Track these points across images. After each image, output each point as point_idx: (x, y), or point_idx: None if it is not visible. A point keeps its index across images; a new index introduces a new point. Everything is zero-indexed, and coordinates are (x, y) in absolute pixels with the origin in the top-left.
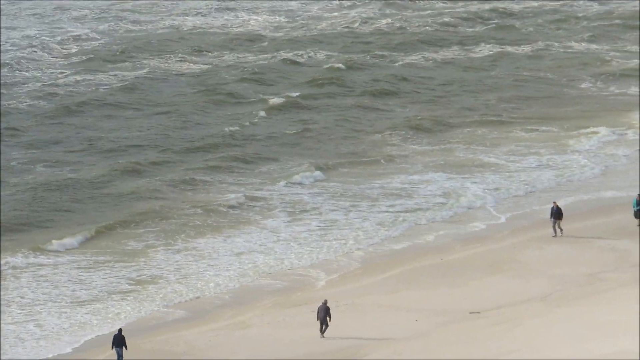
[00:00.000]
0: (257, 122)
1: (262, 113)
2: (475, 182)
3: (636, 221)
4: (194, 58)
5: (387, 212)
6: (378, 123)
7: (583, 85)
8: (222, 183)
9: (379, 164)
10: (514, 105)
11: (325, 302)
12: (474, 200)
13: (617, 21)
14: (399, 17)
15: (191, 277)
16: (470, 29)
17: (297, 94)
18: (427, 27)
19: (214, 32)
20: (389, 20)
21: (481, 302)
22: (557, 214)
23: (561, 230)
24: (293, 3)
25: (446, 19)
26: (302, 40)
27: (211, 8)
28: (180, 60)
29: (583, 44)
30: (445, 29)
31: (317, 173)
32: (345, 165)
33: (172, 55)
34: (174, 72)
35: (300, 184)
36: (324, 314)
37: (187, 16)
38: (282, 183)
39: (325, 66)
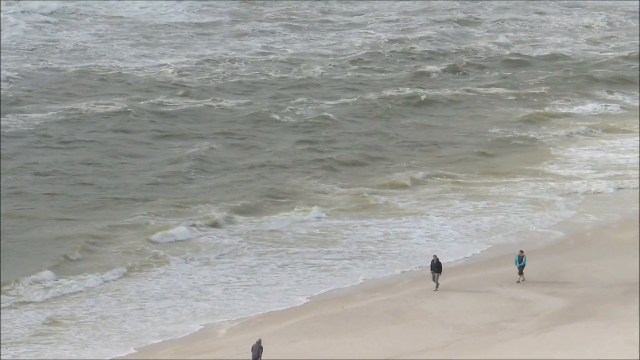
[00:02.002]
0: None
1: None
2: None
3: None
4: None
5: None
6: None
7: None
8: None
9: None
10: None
11: (259, 342)
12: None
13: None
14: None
15: None
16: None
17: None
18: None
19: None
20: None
21: (382, 351)
22: (436, 267)
23: (437, 284)
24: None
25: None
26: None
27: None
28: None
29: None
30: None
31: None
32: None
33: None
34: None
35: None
36: (257, 353)
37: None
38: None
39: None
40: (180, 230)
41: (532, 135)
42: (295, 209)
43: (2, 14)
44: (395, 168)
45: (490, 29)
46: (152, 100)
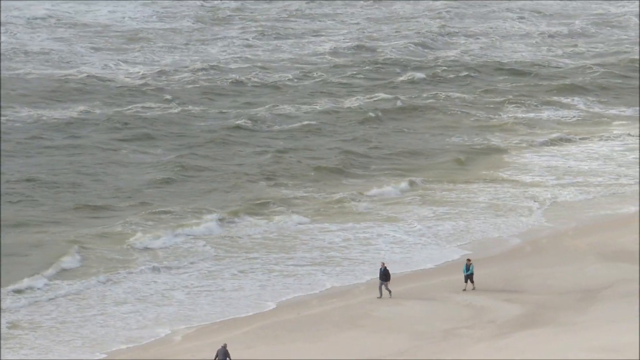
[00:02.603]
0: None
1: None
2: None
3: (464, 284)
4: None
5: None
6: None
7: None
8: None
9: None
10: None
11: (224, 346)
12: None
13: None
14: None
15: None
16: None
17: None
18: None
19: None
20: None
21: (337, 358)
22: (384, 275)
23: (389, 292)
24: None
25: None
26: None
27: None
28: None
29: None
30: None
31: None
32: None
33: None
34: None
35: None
36: (223, 358)
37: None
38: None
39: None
40: (153, 238)
41: (492, 142)
42: (270, 216)
43: None
44: (364, 174)
45: (456, 36)
46: (118, 108)
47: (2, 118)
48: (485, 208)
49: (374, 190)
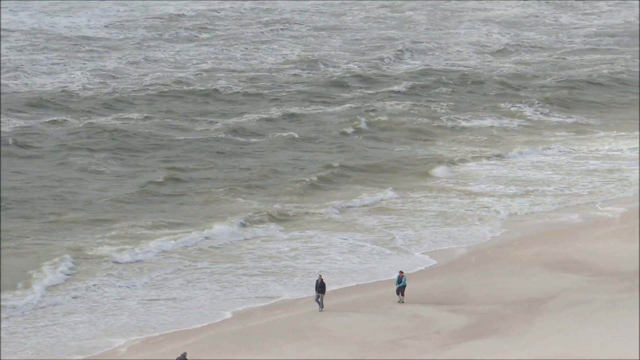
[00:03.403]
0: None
1: None
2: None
3: (397, 297)
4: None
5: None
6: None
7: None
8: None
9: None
10: None
11: (184, 355)
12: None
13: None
14: None
15: None
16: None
17: None
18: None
19: None
20: None
21: None
22: (320, 287)
23: (321, 305)
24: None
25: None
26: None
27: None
28: None
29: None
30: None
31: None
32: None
33: None
34: None
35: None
36: None
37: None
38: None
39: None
40: (111, 250)
41: (439, 152)
42: (226, 226)
43: None
44: (315, 183)
45: (403, 43)
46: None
47: None
48: (433, 217)
49: (327, 200)
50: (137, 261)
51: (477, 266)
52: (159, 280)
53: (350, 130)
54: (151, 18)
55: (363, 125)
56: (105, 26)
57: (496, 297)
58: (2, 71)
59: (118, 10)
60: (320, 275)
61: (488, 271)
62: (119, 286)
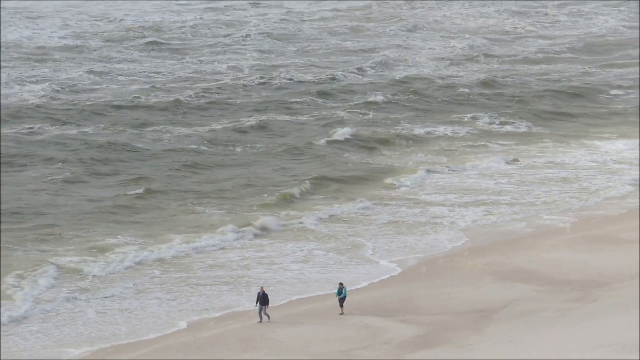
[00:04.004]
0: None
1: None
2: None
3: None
4: None
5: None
6: None
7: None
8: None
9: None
10: None
11: None
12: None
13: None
14: None
15: None
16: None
17: None
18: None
19: None
20: None
21: None
22: (263, 299)
23: (268, 316)
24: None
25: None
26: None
27: None
28: None
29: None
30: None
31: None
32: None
33: None
34: None
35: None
36: None
37: None
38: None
39: None
40: (72, 261)
41: (389, 161)
42: (183, 236)
43: None
44: (264, 194)
45: (360, 53)
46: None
47: None
48: (385, 227)
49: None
50: (101, 274)
51: (428, 276)
52: (120, 290)
53: (320, 141)
54: (111, 30)
55: (327, 138)
56: (63, 37)
57: (447, 307)
58: None
59: (80, 20)
60: (262, 287)
61: (439, 281)
62: (76, 297)
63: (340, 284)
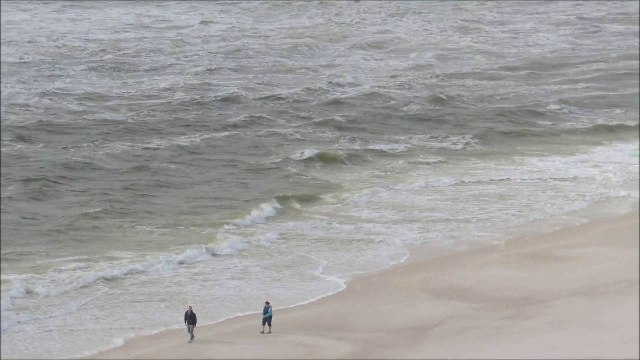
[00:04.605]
0: None
1: None
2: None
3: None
4: None
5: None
6: None
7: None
8: None
9: None
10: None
11: None
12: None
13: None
14: None
15: None
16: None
17: None
18: None
19: None
20: None
21: None
22: (191, 319)
23: (192, 336)
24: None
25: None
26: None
27: None
28: None
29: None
30: None
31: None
32: None
33: None
34: None
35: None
36: None
37: None
38: None
39: None
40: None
41: (324, 177)
42: (129, 254)
43: None
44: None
45: (304, 72)
46: None
47: None
48: (318, 243)
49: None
50: (43, 292)
51: (363, 293)
52: (60, 308)
53: (267, 160)
54: (55, 47)
55: (274, 159)
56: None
57: (382, 324)
58: None
59: (27, 40)
60: (190, 307)
61: (374, 298)
62: (17, 314)
63: (267, 302)
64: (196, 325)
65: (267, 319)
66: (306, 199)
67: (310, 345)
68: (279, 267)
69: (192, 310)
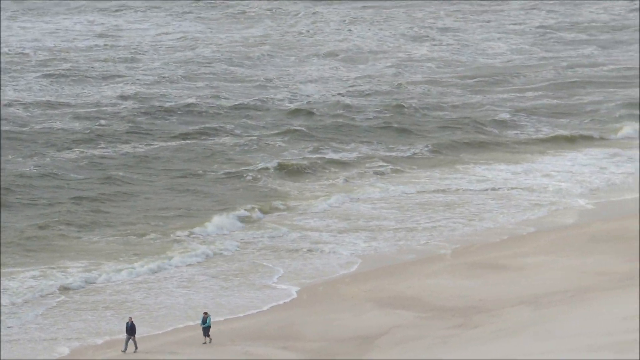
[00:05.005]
0: None
1: None
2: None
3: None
4: None
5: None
6: None
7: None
8: None
9: None
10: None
11: None
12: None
13: None
14: None
15: None
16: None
17: None
18: None
19: None
20: None
21: None
22: (131, 330)
23: (135, 346)
24: None
25: None
26: None
27: None
28: None
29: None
30: None
31: None
32: None
33: None
34: None
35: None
36: None
37: None
38: None
39: None
40: None
41: (279, 186)
42: (80, 264)
43: None
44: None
45: (263, 80)
46: None
47: None
48: (264, 251)
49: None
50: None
51: (311, 302)
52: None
53: (220, 172)
54: (5, 56)
55: (227, 169)
56: None
57: (328, 333)
58: None
59: None
60: (131, 318)
61: (321, 307)
62: None
63: (205, 313)
64: (140, 335)
65: (206, 329)
66: (261, 208)
67: (256, 355)
68: (231, 276)
69: (132, 321)
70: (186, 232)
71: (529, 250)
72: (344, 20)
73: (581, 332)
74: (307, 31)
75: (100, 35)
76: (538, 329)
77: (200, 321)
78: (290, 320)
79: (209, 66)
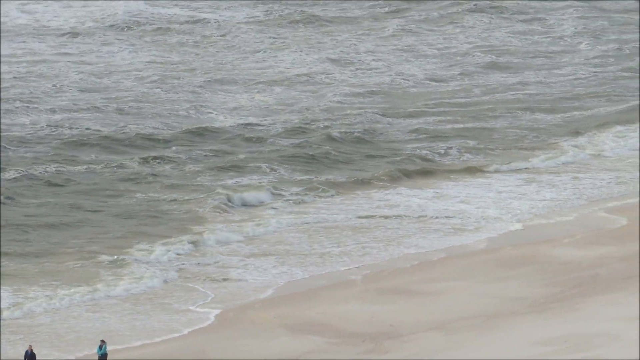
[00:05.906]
0: None
1: None
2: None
3: None
4: None
5: None
6: None
7: None
8: None
9: None
10: None
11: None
12: None
13: None
14: None
15: None
16: None
17: None
18: None
19: None
20: None
21: None
22: (31, 358)
23: None
24: None
25: None
26: None
27: None
28: None
29: None
30: None
31: None
32: None
33: None
34: None
35: None
36: None
37: None
38: None
39: None
40: None
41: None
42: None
43: None
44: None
45: (175, 106)
46: None
47: None
48: (180, 279)
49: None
50: None
51: (217, 329)
52: None
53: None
54: None
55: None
56: None
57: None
58: None
59: None
60: (30, 346)
61: (229, 333)
62: None
63: (102, 340)
64: None
65: (103, 357)
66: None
67: None
68: (149, 301)
69: (32, 350)
70: (112, 260)
71: (440, 275)
72: (268, 45)
73: (491, 358)
74: (228, 57)
75: (19, 61)
76: (449, 355)
77: (97, 349)
78: (199, 346)
79: (124, 91)
